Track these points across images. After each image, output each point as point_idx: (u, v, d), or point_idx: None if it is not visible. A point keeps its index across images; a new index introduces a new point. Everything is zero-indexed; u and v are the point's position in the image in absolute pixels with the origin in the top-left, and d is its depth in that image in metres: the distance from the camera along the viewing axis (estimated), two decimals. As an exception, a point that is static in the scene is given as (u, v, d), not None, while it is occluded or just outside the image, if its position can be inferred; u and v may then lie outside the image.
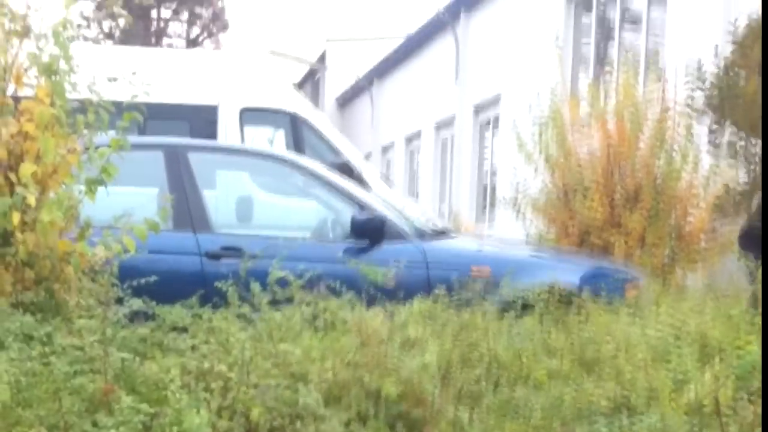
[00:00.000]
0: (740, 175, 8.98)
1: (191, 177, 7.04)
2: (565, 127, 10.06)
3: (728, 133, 9.00)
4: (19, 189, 4.96)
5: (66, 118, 5.31)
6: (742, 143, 8.84)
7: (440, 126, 21.47)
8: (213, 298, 5.28)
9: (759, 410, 3.78)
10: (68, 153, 5.31)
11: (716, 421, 3.73)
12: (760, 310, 5.03)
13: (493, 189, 17.56)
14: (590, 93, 10.57)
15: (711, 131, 9.24)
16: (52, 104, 5.26)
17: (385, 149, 26.60)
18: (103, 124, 5.45)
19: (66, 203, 5.15)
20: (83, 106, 5.42)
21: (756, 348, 4.33)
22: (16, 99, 5.31)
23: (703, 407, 3.91)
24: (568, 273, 6.64)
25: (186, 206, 6.79)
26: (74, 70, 5.34)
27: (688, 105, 9.28)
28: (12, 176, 5.10)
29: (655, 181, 9.43)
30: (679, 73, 9.52)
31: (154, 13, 42.89)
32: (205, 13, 43.37)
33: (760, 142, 8.53)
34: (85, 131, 5.43)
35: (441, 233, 7.54)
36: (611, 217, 9.41)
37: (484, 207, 18.54)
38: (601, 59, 14.23)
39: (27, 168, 5.04)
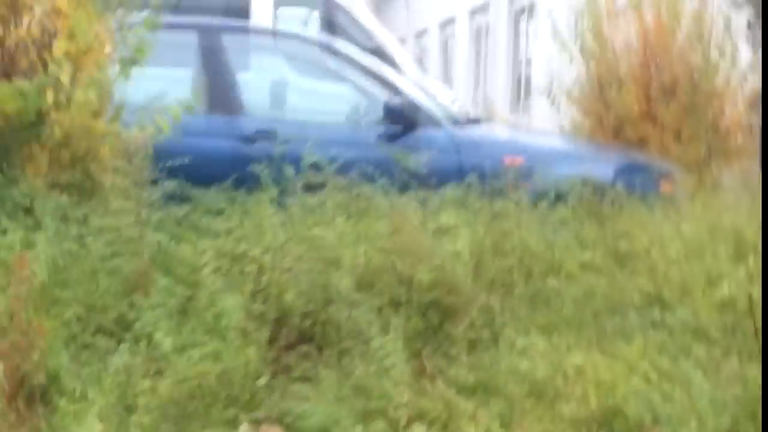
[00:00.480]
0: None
1: (225, 59, 6.99)
2: (601, 16, 9.89)
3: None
4: (52, 67, 4.93)
5: (98, -4, 5.27)
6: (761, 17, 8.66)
7: (475, 12, 21.15)
8: (247, 181, 5.28)
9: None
10: (102, 32, 5.27)
11: (748, 318, 3.73)
12: None
13: (528, 78, 17.37)
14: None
15: (750, 25, 9.07)
16: (87, -19, 5.21)
17: (419, 35, 26.30)
18: (136, 2, 5.40)
19: (100, 83, 5.12)
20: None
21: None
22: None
23: (737, 305, 3.90)
24: (603, 165, 6.59)
25: (220, 88, 6.75)
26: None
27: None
28: (45, 54, 5.07)
29: (692, 75, 9.29)
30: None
31: None
32: None
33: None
34: (118, 10, 5.38)
35: (474, 121, 7.49)
36: (647, 111, 9.29)
37: (519, 96, 18.37)
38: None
39: (60, 45, 5.01)
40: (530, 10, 17.44)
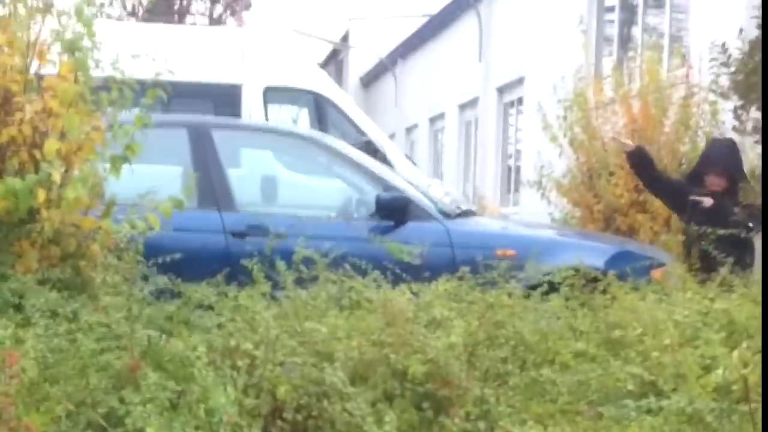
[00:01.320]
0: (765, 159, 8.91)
1: (215, 155, 7.03)
2: (589, 109, 10.02)
3: (753, 116, 8.92)
4: (43, 165, 4.96)
5: (89, 96, 5.32)
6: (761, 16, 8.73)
7: (464, 107, 21.40)
8: (238, 276, 5.29)
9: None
10: (92, 130, 5.31)
11: (744, 404, 3.70)
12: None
13: (518, 171, 17.50)
14: (614, 75, 10.53)
15: (736, 114, 9.17)
16: (76, 81, 5.26)
17: (409, 130, 26.56)
18: (127, 101, 5.45)
19: (91, 180, 5.15)
20: (107, 84, 5.43)
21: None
22: (40, 76, 5.32)
23: (731, 391, 3.88)
24: (594, 255, 6.61)
25: (210, 184, 6.78)
26: (97, 47, 5.34)
27: (712, 88, 9.22)
28: (37, 153, 5.11)
29: (681, 164, 9.39)
30: (704, 55, 9.46)
31: (177, -8, 42.84)
32: (228, -9, 43.26)
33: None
34: (109, 109, 5.43)
35: (465, 213, 7.52)
36: (636, 200, 9.38)
37: (509, 189, 18.50)
38: (625, 41, 14.15)
39: (52, 145, 5.04)
40: (519, 102, 17.64)
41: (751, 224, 7.12)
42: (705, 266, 6.26)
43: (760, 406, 3.74)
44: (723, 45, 8.98)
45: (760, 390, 3.86)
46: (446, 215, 7.04)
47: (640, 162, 8.21)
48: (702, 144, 9.36)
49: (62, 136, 5.17)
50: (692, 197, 7.81)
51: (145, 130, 5.48)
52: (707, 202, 7.69)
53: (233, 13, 42.39)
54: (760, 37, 8.65)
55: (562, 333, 4.68)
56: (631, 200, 9.38)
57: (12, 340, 3.92)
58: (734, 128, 9.16)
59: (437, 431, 3.82)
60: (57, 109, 5.16)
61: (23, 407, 3.45)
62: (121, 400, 3.60)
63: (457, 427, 3.80)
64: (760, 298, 5.05)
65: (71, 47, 5.26)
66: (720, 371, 4.02)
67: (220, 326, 4.41)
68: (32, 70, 5.32)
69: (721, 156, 8.09)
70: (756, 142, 8.97)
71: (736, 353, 4.04)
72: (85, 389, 3.68)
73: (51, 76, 5.24)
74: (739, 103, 8.98)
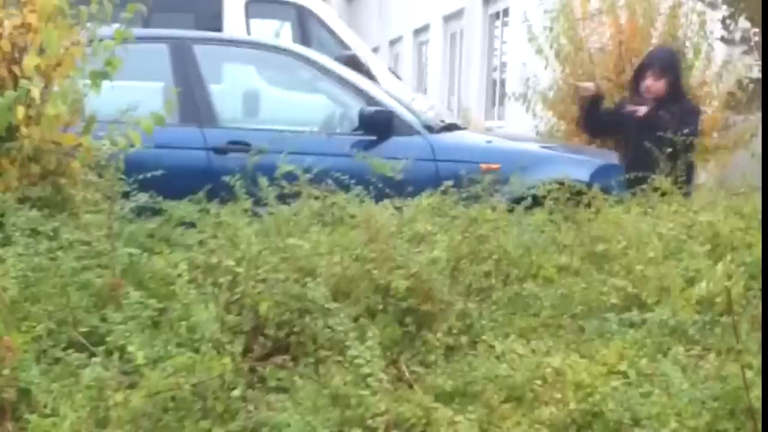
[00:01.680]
0: (753, 69, 8.88)
1: (197, 70, 6.96)
2: (575, 19, 9.92)
3: (741, 26, 8.86)
4: (23, 82, 4.90)
5: (69, 10, 5.23)
6: (756, 36, 8.71)
7: (449, 18, 21.19)
8: (220, 192, 5.25)
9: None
10: (72, 45, 5.24)
11: (727, 317, 3.71)
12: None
13: (503, 84, 17.40)
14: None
15: (724, 24, 9.10)
16: (55, -5, 5.18)
17: (393, 43, 26.35)
18: (107, 16, 5.36)
19: (71, 96, 5.09)
20: (86, -2, 5.34)
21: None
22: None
23: (715, 303, 3.88)
24: (579, 168, 6.60)
25: (192, 100, 6.72)
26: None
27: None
28: (15, 69, 5.04)
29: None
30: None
31: None
32: None
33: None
34: (89, 23, 5.35)
35: (450, 127, 7.48)
36: (622, 112, 9.33)
37: (494, 102, 18.40)
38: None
39: (31, 60, 4.98)
40: (504, 13, 17.48)
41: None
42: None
43: (741, 318, 3.76)
44: None
45: (743, 302, 3.88)
46: (430, 129, 7.01)
47: (591, 107, 8.02)
48: (691, 55, 9.31)
49: (41, 51, 5.10)
50: (626, 107, 7.60)
51: (125, 45, 5.40)
52: (641, 110, 7.48)
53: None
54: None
55: (545, 247, 4.66)
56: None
57: (-9, 258, 3.90)
58: (722, 38, 9.10)
59: (420, 346, 3.82)
60: (36, 23, 5.08)
61: (4, 326, 3.44)
62: (103, 319, 3.60)
63: (439, 341, 3.80)
64: (744, 210, 5.05)
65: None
66: (703, 284, 4.01)
67: (201, 243, 4.39)
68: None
69: (659, 58, 7.90)
70: (744, 52, 8.93)
71: (719, 266, 4.04)
72: (65, 308, 3.67)
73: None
74: (727, 12, 8.91)
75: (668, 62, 7.72)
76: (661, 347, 3.67)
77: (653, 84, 7.56)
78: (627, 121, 7.52)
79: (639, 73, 7.77)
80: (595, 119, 8.03)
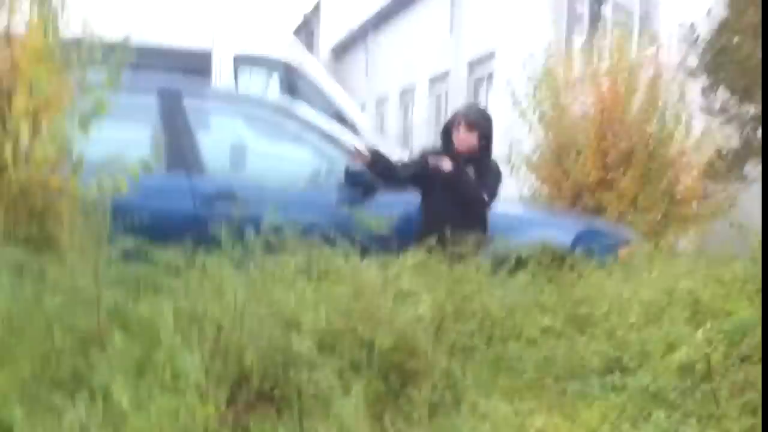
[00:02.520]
0: (732, 139, 8.97)
1: (185, 120, 6.98)
2: (558, 86, 10.03)
3: (721, 96, 8.97)
4: (11, 122, 4.91)
5: (59, 52, 5.26)
6: (735, 106, 8.81)
7: (435, 80, 21.36)
8: (206, 241, 5.24)
9: (751, 373, 3.79)
10: (61, 88, 5.26)
11: (707, 383, 3.73)
12: None
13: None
14: (584, 53, 10.55)
15: (704, 94, 9.21)
16: (45, 37, 5.20)
17: (380, 101, 26.50)
18: (96, 61, 5.39)
19: (59, 138, 5.09)
20: (77, 43, 5.36)
21: (748, 312, 4.33)
22: (8, 33, 5.25)
23: (695, 369, 3.91)
24: (562, 232, 6.63)
25: (179, 148, 6.73)
26: (67, 5, 5.29)
27: (681, 68, 9.26)
28: (4, 110, 5.05)
29: (648, 144, 9.43)
30: (673, 35, 9.49)
31: (148, -45, 42.39)
32: (200, -43, 42.90)
33: (752, 106, 8.53)
34: (78, 67, 5.37)
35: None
36: (604, 178, 9.41)
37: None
38: (595, 19, 14.16)
39: (20, 101, 4.99)
40: (489, 78, 17.63)
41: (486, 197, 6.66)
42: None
43: (721, 384, 3.78)
44: (692, 25, 9.02)
45: (722, 369, 3.90)
46: (415, 187, 7.04)
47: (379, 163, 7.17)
48: (671, 125, 9.40)
49: (30, 92, 5.12)
50: (430, 160, 6.96)
51: (114, 91, 5.43)
52: (446, 165, 6.85)
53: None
54: (728, 18, 8.70)
55: (528, 308, 4.69)
56: (599, 178, 9.40)
57: (-23, 297, 3.88)
58: (702, 108, 9.21)
59: (404, 402, 3.82)
60: (25, 65, 5.10)
61: (-12, 365, 3.43)
62: (87, 361, 3.58)
63: (423, 399, 3.80)
64: (725, 278, 5.08)
65: (41, 3, 5.20)
66: (684, 350, 4.05)
67: (187, 291, 4.38)
68: (0, 25, 5.25)
69: (472, 112, 7.44)
70: (722, 123, 9.03)
71: (700, 332, 4.08)
72: (51, 349, 3.66)
73: (20, 33, 5.17)
74: (707, 82, 9.02)
75: (481, 118, 7.23)
76: (642, 412, 3.69)
77: (466, 137, 7.01)
78: (431, 175, 6.92)
79: (451, 126, 7.20)
80: (394, 169, 7.23)
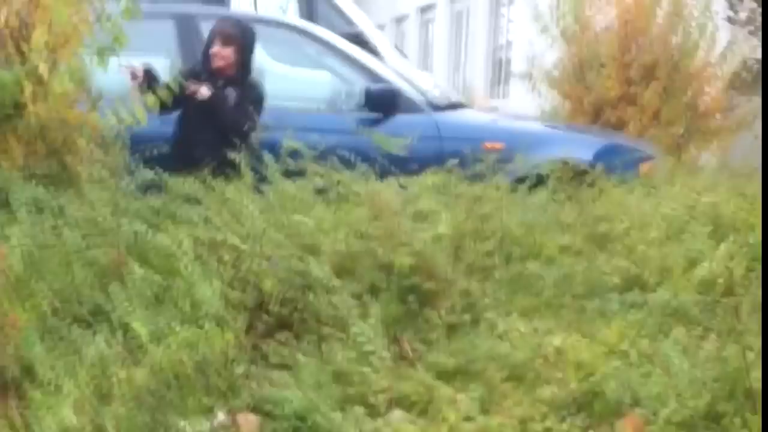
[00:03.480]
0: (758, 50, 8.85)
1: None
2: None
3: (747, 6, 8.84)
4: (31, 57, 4.90)
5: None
6: (761, 17, 8.69)
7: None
8: (224, 168, 5.25)
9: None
10: (80, 21, 5.23)
11: (729, 297, 3.72)
12: None
13: (508, 63, 17.36)
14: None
15: (730, 4, 9.07)
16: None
17: (399, 20, 26.26)
18: (115, -10, 5.35)
19: (78, 73, 5.09)
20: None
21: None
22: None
23: (716, 284, 3.90)
24: (582, 148, 6.59)
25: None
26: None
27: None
28: (23, 46, 5.04)
29: (672, 56, 9.31)
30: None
31: None
32: None
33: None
34: (96, -1, 5.35)
35: (454, 106, 7.48)
36: (626, 93, 9.31)
37: (499, 81, 18.36)
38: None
39: (39, 36, 4.97)
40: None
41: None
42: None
43: (744, 299, 3.76)
44: None
45: (745, 283, 3.89)
46: (435, 107, 7.01)
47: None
48: (695, 35, 9.28)
49: (49, 27, 5.10)
50: (189, 85, 6.14)
51: (132, 21, 5.40)
52: (203, 92, 6.16)
53: None
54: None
55: (548, 227, 4.67)
56: (621, 93, 9.31)
57: (-3, 235, 3.92)
58: (728, 18, 9.08)
59: (422, 324, 3.84)
60: (44, 0, 5.08)
61: (9, 303, 3.46)
62: (107, 295, 3.61)
63: (442, 319, 3.82)
64: (747, 192, 5.05)
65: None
66: (705, 265, 4.04)
67: (206, 220, 4.40)
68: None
69: (229, 24, 6.61)
70: (750, 32, 8.90)
71: (722, 247, 4.06)
72: (70, 284, 3.69)
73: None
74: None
75: (238, 31, 6.50)
76: (662, 328, 3.69)
77: (221, 51, 6.37)
78: (189, 99, 6.17)
79: (207, 46, 6.50)
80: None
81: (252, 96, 6.27)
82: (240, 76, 6.32)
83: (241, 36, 6.44)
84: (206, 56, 6.38)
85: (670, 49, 9.29)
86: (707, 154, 9.38)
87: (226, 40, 6.35)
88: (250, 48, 6.44)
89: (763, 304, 3.66)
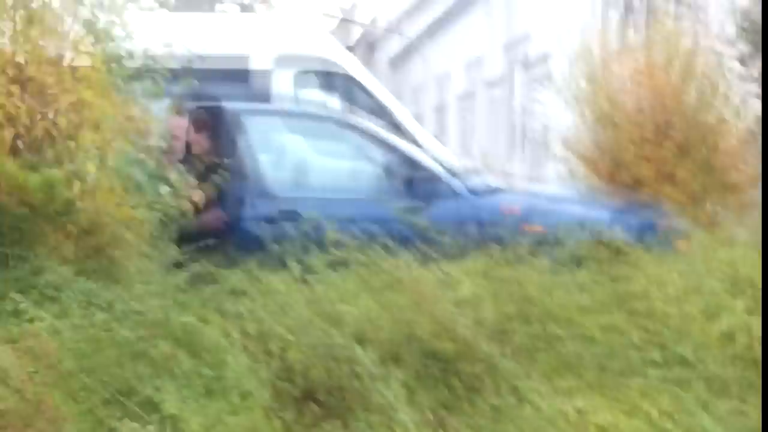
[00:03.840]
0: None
1: (247, 141, 7.08)
2: (594, 61, 9.89)
3: (759, 64, 8.82)
4: (79, 156, 5.00)
5: (123, 85, 5.35)
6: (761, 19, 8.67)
7: (492, 84, 21.26)
8: (271, 261, 5.33)
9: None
10: (126, 120, 5.35)
11: (748, 350, 3.73)
12: None
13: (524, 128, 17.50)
14: (620, 28, 10.38)
15: (742, 61, 9.07)
16: (109, 71, 5.29)
17: (439, 109, 26.43)
18: (160, 90, 5.48)
19: (125, 171, 5.19)
20: (139, 73, 5.46)
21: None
22: (74, 68, 5.35)
23: (735, 337, 3.90)
24: (621, 228, 6.59)
25: (242, 171, 6.82)
26: (130, 36, 5.38)
27: (719, 37, 9.13)
28: (72, 145, 5.15)
29: (686, 113, 9.22)
30: (711, 4, 9.34)
31: (207, -20, 42.66)
32: (257, -22, 43.07)
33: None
34: (142, 98, 5.47)
35: (494, 191, 7.53)
36: (641, 152, 9.23)
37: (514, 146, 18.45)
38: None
39: (87, 136, 5.08)
40: (525, 59, 17.53)
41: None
42: None
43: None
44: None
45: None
46: (475, 193, 7.07)
47: None
48: (708, 93, 9.23)
49: (96, 126, 5.21)
50: None
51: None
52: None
53: (263, 0, 42.12)
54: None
55: (588, 306, 4.67)
56: (636, 153, 9.25)
57: (49, 331, 3.97)
58: (740, 76, 9.07)
59: (468, 408, 3.85)
60: (91, 99, 5.19)
61: (61, 397, 3.51)
62: (157, 388, 3.66)
63: (488, 404, 3.83)
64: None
65: (104, 37, 5.29)
66: (724, 320, 4.03)
67: (252, 312, 4.45)
68: (66, 61, 5.36)
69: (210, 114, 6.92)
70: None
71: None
72: (121, 378, 3.74)
73: (85, 67, 5.27)
74: (746, 50, 8.89)
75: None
76: (682, 385, 3.69)
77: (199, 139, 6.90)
78: None
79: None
80: None
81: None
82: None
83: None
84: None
85: (683, 106, 9.25)
86: (725, 209, 9.26)
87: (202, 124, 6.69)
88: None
89: (763, 311, 3.65)
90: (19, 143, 5.10)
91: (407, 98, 22.20)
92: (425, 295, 4.34)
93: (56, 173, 4.98)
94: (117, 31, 5.33)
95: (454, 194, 6.95)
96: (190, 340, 4.13)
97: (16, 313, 4.21)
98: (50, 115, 5.24)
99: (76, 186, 4.99)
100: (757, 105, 8.78)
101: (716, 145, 9.17)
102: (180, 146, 6.71)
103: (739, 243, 5.11)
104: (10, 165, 4.93)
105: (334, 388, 3.80)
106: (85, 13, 5.37)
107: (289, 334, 4.04)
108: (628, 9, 13.16)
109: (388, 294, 4.71)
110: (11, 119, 5.01)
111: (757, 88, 8.79)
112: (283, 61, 11.06)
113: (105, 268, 5.00)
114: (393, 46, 30.11)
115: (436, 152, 9.12)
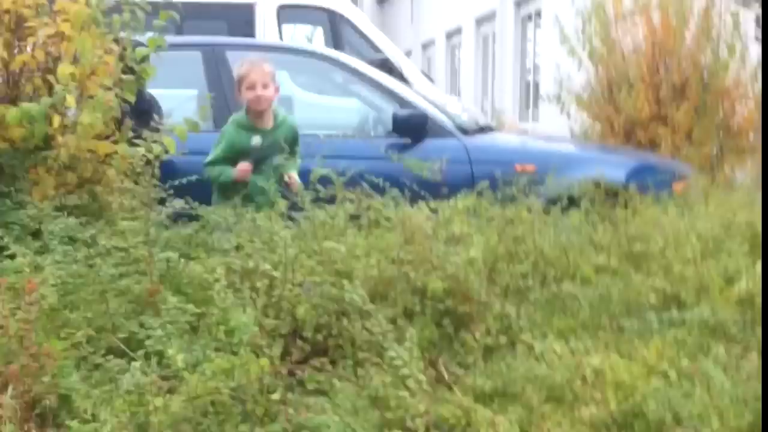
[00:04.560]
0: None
1: (230, 76, 6.97)
2: (608, 20, 9.87)
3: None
4: (58, 89, 4.93)
5: (102, 19, 5.27)
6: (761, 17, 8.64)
7: (481, 21, 21.15)
8: (255, 197, 5.26)
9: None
10: (105, 53, 5.27)
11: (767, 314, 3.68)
12: None
13: (536, 86, 17.34)
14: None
15: (758, 21, 9.03)
16: (88, 4, 5.21)
17: (426, 46, 26.34)
18: (140, 24, 5.39)
19: (105, 105, 5.11)
20: (119, 6, 5.37)
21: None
22: (52, 0, 5.27)
23: (754, 299, 3.84)
24: (615, 168, 6.55)
25: (226, 106, 6.72)
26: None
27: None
28: (50, 78, 5.08)
29: (702, 75, 9.27)
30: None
31: None
32: None
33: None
34: (122, 31, 5.39)
35: (483, 129, 7.46)
36: (657, 113, 9.28)
37: (528, 104, 18.35)
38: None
39: (65, 69, 5.01)
40: (537, 15, 17.43)
41: None
42: None
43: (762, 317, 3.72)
44: None
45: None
46: (464, 131, 6.99)
47: None
48: (725, 55, 9.23)
49: (75, 60, 5.14)
50: None
51: (158, 52, 5.44)
52: None
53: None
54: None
55: (582, 247, 4.63)
56: (652, 113, 9.27)
57: (31, 267, 3.93)
58: (757, 38, 9.03)
59: (458, 347, 3.80)
60: (69, 32, 5.12)
61: (43, 334, 3.48)
62: (141, 325, 3.60)
63: (478, 342, 3.78)
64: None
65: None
66: (743, 283, 3.98)
67: (238, 248, 4.39)
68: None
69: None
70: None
71: (759, 264, 4.01)
72: (104, 314, 3.69)
73: (63, 0, 5.19)
74: (761, 11, 8.84)
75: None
76: (701, 346, 3.63)
77: None
78: None
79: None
80: None
81: None
82: None
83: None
84: None
85: (699, 67, 9.26)
86: (741, 171, 9.32)
87: None
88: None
89: (763, 303, 3.61)
90: (-3, 77, 5.04)
91: (393, 35, 22.04)
92: (414, 233, 4.27)
93: (35, 107, 4.90)
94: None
95: (443, 132, 6.86)
96: (174, 276, 4.08)
97: (-3, 249, 4.16)
98: (28, 49, 5.16)
99: (56, 120, 4.92)
100: None
101: (732, 106, 9.18)
102: None
103: (755, 203, 5.05)
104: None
105: (322, 325, 3.74)
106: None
107: (275, 270, 3.96)
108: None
109: (376, 231, 4.66)
110: (-13, 53, 4.95)
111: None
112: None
113: (86, 203, 4.95)
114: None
115: (425, 89, 9.04)
